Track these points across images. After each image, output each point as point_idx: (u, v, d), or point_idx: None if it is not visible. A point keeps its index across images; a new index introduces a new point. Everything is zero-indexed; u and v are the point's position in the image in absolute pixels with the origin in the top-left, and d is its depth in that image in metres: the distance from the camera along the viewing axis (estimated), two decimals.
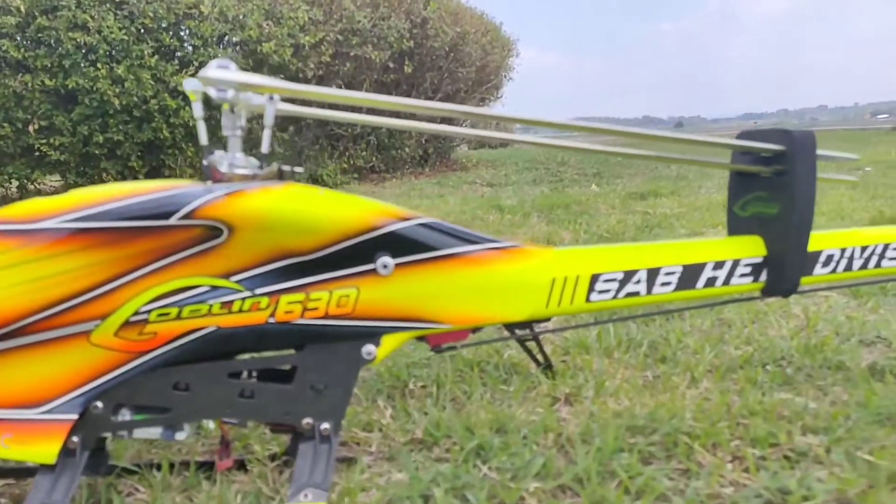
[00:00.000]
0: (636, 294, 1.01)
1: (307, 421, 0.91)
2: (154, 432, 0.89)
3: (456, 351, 1.52)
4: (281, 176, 0.92)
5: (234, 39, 5.95)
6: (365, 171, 7.43)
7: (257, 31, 5.81)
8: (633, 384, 1.27)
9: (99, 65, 5.12)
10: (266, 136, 0.94)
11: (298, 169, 0.94)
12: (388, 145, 7.50)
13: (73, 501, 0.93)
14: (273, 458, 1.03)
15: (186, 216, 0.81)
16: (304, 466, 0.89)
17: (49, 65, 5.04)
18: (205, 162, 0.88)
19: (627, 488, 0.89)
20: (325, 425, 0.91)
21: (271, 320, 0.87)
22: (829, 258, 1.06)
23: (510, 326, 1.35)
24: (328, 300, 0.88)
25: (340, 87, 6.72)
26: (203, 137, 0.93)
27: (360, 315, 0.90)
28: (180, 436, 0.90)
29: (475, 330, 1.03)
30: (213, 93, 0.85)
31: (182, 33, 5.71)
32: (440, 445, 1.06)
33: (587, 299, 0.99)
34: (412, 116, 1.20)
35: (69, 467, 0.84)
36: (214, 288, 0.85)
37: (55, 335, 0.82)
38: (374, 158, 7.32)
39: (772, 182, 1.03)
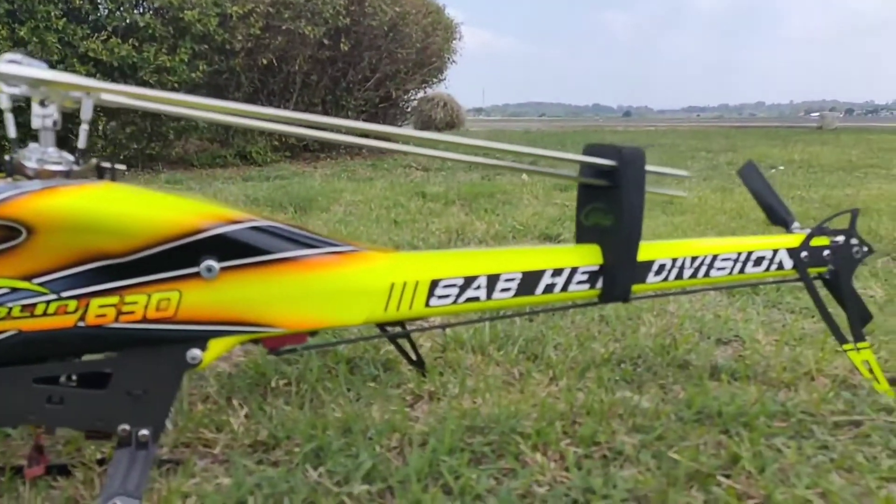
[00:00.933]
0: (476, 299, 1.03)
1: (123, 427, 0.89)
2: None
3: (327, 349, 1.53)
4: (100, 174, 0.90)
5: (154, 4, 5.70)
6: (298, 150, 7.30)
7: None
8: (493, 383, 1.30)
9: None
10: (83, 131, 0.90)
11: (120, 167, 0.91)
12: None
13: None
14: (102, 462, 1.02)
15: None
16: (116, 474, 0.87)
17: None
18: (8, 157, 0.84)
19: (449, 489, 0.92)
20: (144, 431, 0.89)
21: (81, 324, 0.85)
22: (662, 267, 1.10)
23: (381, 324, 1.37)
24: (146, 304, 0.86)
25: (272, 62, 6.54)
26: (11, 130, 0.88)
27: (183, 319, 0.89)
28: None
29: (312, 333, 1.03)
30: (4, 87, 0.81)
31: None
32: (281, 447, 1.06)
33: (427, 304, 1.01)
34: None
35: None
36: (13, 290, 0.82)
37: None
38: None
39: (607, 194, 1.07)
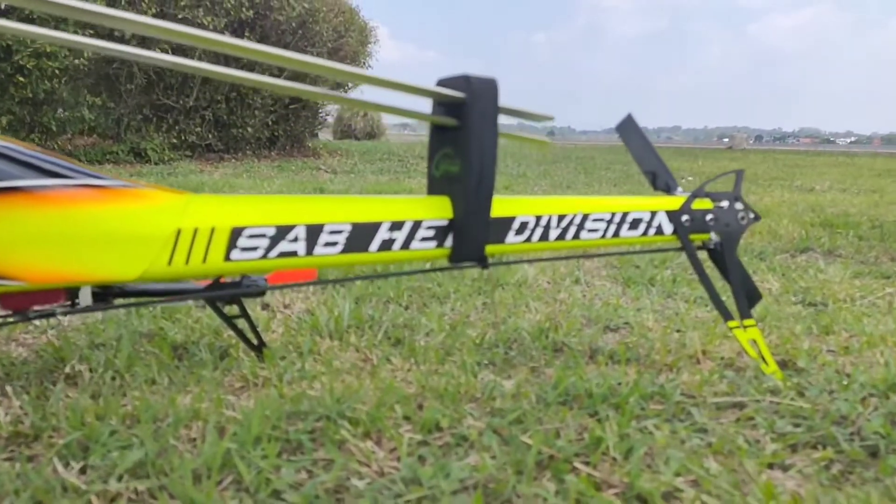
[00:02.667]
0: (293, 254, 0.84)
1: None
2: None
3: (166, 325, 1.30)
4: None
5: None
6: (201, 149, 6.89)
7: None
8: (339, 367, 1.11)
9: None
10: None
11: None
12: (227, 122, 7.01)
13: None
14: None
15: None
16: None
17: None
18: None
19: (239, 485, 0.72)
20: None
21: None
22: (524, 226, 0.95)
23: (212, 300, 1.15)
24: None
25: (166, 52, 6.15)
26: None
27: None
28: None
29: (72, 292, 0.82)
30: None
31: None
32: (41, 440, 0.83)
33: (226, 257, 0.81)
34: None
35: None
36: None
37: None
38: (209, 136, 6.80)
39: (454, 136, 0.90)
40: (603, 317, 1.48)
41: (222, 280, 1.12)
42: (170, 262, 0.79)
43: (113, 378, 1.05)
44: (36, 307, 0.79)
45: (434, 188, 0.97)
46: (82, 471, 0.75)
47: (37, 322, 1.35)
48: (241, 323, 1.20)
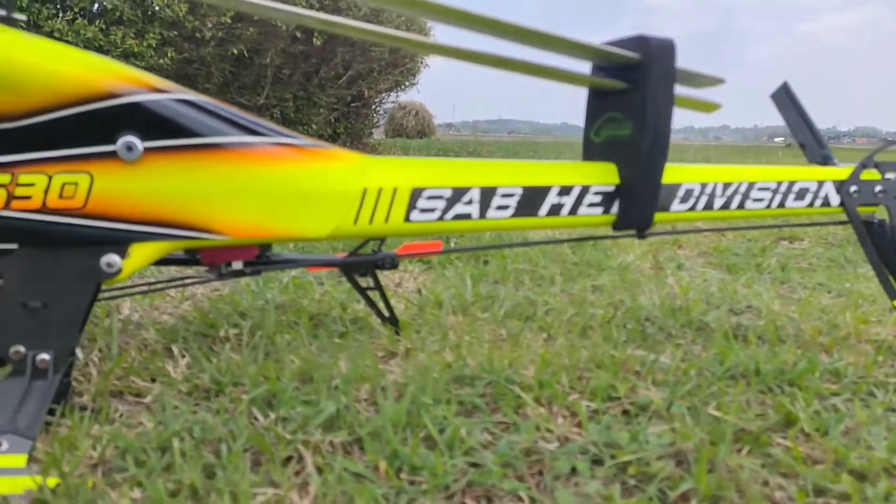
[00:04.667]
0: (467, 217, 0.85)
1: (16, 349, 0.68)
2: None
3: (297, 297, 1.33)
4: None
5: None
6: None
7: None
8: (479, 338, 1.11)
9: None
10: None
11: (20, 16, 0.71)
12: (294, 120, 7.15)
13: None
14: None
15: None
16: (5, 406, 0.66)
17: None
18: None
19: (434, 442, 0.73)
20: (43, 356, 0.69)
21: None
22: (689, 193, 0.93)
23: (350, 273, 1.17)
24: (46, 187, 0.66)
25: (242, 53, 6.30)
26: None
27: (95, 212, 0.68)
28: None
29: (263, 248, 0.84)
30: None
31: None
32: (225, 394, 0.86)
33: (406, 218, 0.82)
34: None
35: None
36: None
37: None
38: None
39: (625, 99, 0.89)
40: (722, 300, 1.45)
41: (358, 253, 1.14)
42: (355, 221, 0.80)
43: (262, 342, 1.07)
44: (231, 262, 0.82)
45: (593, 154, 0.96)
46: (275, 422, 0.76)
47: (172, 292, 1.39)
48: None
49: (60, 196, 0.67)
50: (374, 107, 9.32)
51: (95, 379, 0.90)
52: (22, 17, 0.71)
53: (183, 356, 1.01)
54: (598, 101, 0.95)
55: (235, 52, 6.32)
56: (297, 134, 0.79)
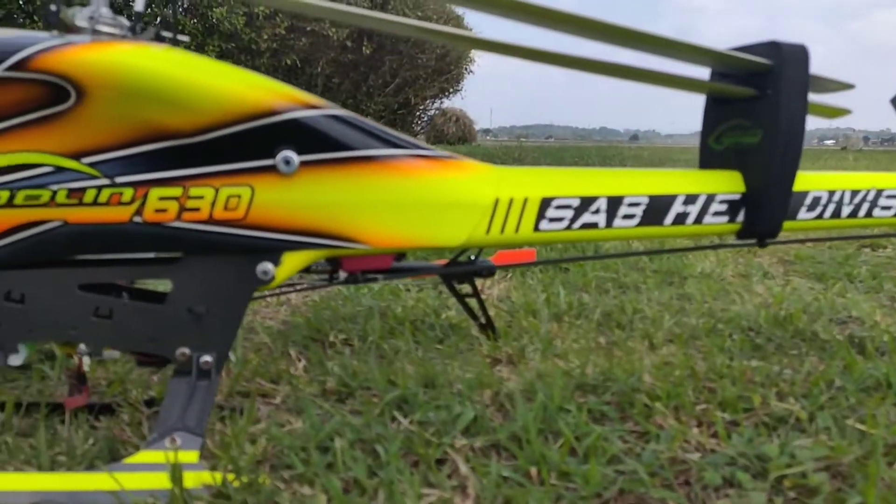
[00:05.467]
0: (594, 226, 0.85)
1: (182, 351, 0.72)
2: None
3: (391, 304, 1.36)
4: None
5: (185, 2, 5.64)
6: None
7: None
8: (585, 346, 1.12)
9: (37, 18, 4.75)
10: None
11: (183, 37, 0.75)
12: None
13: None
14: (150, 403, 0.84)
15: (17, 66, 0.61)
16: (173, 406, 0.70)
17: None
18: (52, 7, 0.68)
19: (573, 449, 0.73)
20: (206, 358, 0.72)
21: (137, 219, 0.68)
22: (816, 201, 0.92)
23: (449, 280, 1.19)
24: (213, 200, 0.70)
25: (295, 63, 6.46)
26: None
27: (254, 223, 0.71)
28: (14, 360, 0.70)
29: (399, 257, 0.86)
30: None
31: None
32: (355, 397, 0.88)
33: (536, 227, 0.83)
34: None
35: None
36: (59, 169, 0.65)
37: None
38: None
39: (754, 106, 0.89)
40: (821, 309, 1.42)
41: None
42: (488, 231, 0.82)
43: (370, 347, 1.10)
44: (369, 269, 0.84)
45: (713, 161, 0.95)
46: (415, 426, 0.78)
47: (269, 298, 1.43)
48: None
49: (225, 208, 0.70)
50: (418, 113, 9.42)
51: (224, 381, 0.94)
52: (185, 38, 0.75)
53: (300, 360, 1.05)
54: (720, 108, 0.94)
55: (289, 62, 6.49)
56: (432, 146, 0.81)
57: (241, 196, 0.70)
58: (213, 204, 0.70)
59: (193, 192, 0.69)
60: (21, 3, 4.88)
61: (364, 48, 6.99)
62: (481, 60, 10.04)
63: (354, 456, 0.68)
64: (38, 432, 0.73)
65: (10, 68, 0.61)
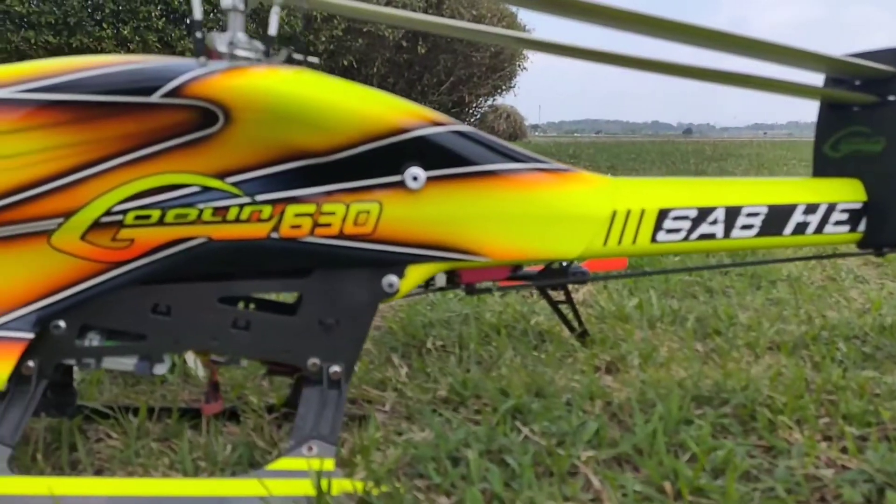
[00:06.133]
0: (711, 237, 0.84)
1: (313, 361, 0.74)
2: (127, 363, 0.73)
3: (479, 309, 1.37)
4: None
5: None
6: None
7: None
8: (686, 355, 1.10)
9: (105, 24, 4.96)
10: (274, 15, 0.77)
11: (313, 59, 0.77)
12: None
13: (26, 441, 0.77)
14: (270, 409, 0.87)
15: (172, 93, 0.65)
16: (307, 414, 0.72)
17: (53, 21, 4.87)
18: (198, 34, 0.71)
19: (702, 464, 0.73)
20: (335, 368, 0.74)
21: (274, 235, 0.71)
22: None
23: (543, 287, 1.19)
24: (344, 215, 0.72)
25: (352, 64, 6.55)
26: (197, 11, 0.76)
27: (381, 237, 0.73)
28: (159, 369, 0.73)
29: (516, 268, 0.87)
30: None
31: None
32: (468, 406, 0.89)
33: (653, 239, 0.83)
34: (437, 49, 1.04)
35: (21, 397, 0.68)
36: (206, 189, 0.69)
37: (6, 233, 0.65)
38: None
39: (874, 113, 0.86)
40: None
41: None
42: (605, 243, 0.82)
43: (469, 355, 1.11)
44: (485, 281, 0.86)
45: (829, 169, 0.93)
46: (535, 436, 0.79)
47: None
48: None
49: (355, 223, 0.72)
50: (470, 111, 9.42)
51: None
52: (315, 59, 0.77)
53: (402, 366, 1.07)
54: (836, 115, 0.92)
55: (345, 63, 6.59)
56: (550, 160, 0.81)
57: (370, 211, 0.72)
58: (343, 219, 0.72)
59: (326, 208, 0.71)
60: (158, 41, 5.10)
61: (419, 47, 7.03)
62: (533, 57, 9.95)
63: (487, 467, 0.69)
64: (182, 438, 0.76)
65: (166, 95, 0.64)
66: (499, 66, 8.58)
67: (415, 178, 0.73)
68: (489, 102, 10.62)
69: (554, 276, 1.12)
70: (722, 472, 0.71)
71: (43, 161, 0.63)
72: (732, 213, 0.84)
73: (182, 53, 5.34)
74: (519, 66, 9.53)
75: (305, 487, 0.65)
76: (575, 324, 1.22)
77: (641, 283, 1.59)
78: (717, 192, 0.85)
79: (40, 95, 0.63)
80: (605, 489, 0.67)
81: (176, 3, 5.28)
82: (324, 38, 6.23)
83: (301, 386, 0.85)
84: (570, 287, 1.63)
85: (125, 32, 5.07)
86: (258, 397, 0.90)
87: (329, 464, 0.68)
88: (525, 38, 0.99)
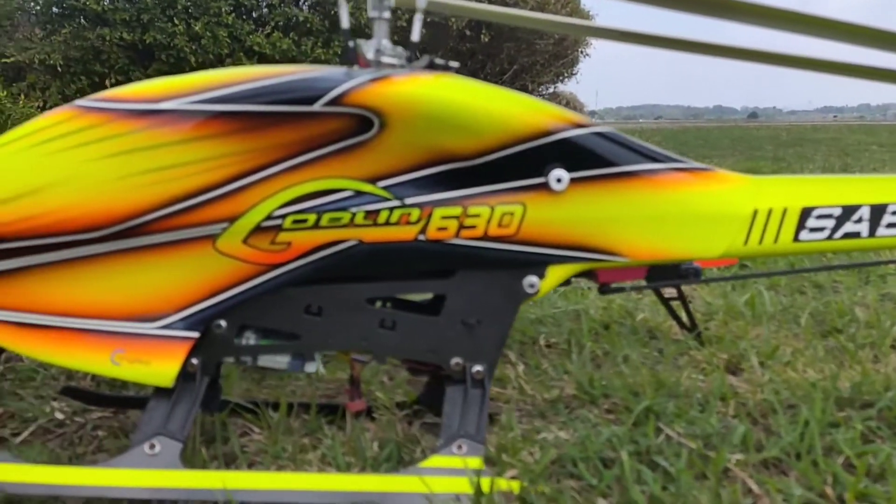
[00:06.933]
0: (856, 235, 0.81)
1: (456, 361, 0.76)
2: (281, 361, 0.76)
3: (582, 306, 1.36)
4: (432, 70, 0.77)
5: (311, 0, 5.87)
6: None
7: None
8: (813, 355, 1.07)
9: (176, 20, 5.11)
10: (417, 22, 0.78)
11: (454, 64, 0.78)
12: None
13: None
14: (401, 406, 0.89)
15: (333, 102, 0.66)
16: (453, 414, 0.74)
17: (127, 18, 5.05)
18: (350, 43, 0.73)
19: (863, 468, 0.70)
20: (478, 368, 0.76)
21: (421, 237, 0.72)
22: None
23: (657, 284, 1.17)
24: (489, 217, 0.72)
25: (417, 56, 6.56)
26: (345, 20, 0.79)
27: (524, 238, 0.74)
28: (310, 367, 0.76)
29: (652, 268, 0.86)
30: None
31: None
32: (598, 405, 0.89)
33: (795, 238, 0.80)
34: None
35: (187, 393, 0.72)
36: (359, 193, 0.70)
37: (176, 237, 0.69)
38: None
39: None
40: None
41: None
42: (745, 242, 0.80)
43: (580, 351, 1.11)
44: (621, 282, 0.85)
45: None
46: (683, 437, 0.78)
47: None
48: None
49: (499, 225, 0.73)
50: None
51: None
52: (455, 64, 0.78)
53: (518, 363, 1.07)
54: None
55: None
56: (689, 159, 0.80)
57: (514, 213, 0.73)
58: (488, 221, 0.73)
59: (472, 210, 0.72)
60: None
61: (482, 36, 7.00)
62: (595, 42, 9.77)
63: (639, 469, 0.69)
64: (330, 435, 0.79)
65: (328, 104, 0.66)
66: (562, 52, 8.44)
67: (558, 180, 0.73)
68: (550, 90, 10.49)
69: (667, 275, 1.11)
70: (880, 476, 0.69)
71: (212, 169, 0.66)
72: (878, 211, 0.81)
73: (251, 48, 5.47)
74: (581, 52, 9.36)
75: (463, 485, 0.66)
76: (687, 322, 1.20)
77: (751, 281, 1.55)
78: (861, 189, 0.82)
79: (210, 106, 0.65)
80: (765, 494, 0.66)
81: None
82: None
83: (434, 385, 0.87)
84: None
85: (196, 28, 5.22)
86: (386, 394, 0.93)
87: (478, 462, 0.69)
88: (591, 26, 0.99)
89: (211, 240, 0.69)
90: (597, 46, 9.89)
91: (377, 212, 0.71)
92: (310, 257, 0.71)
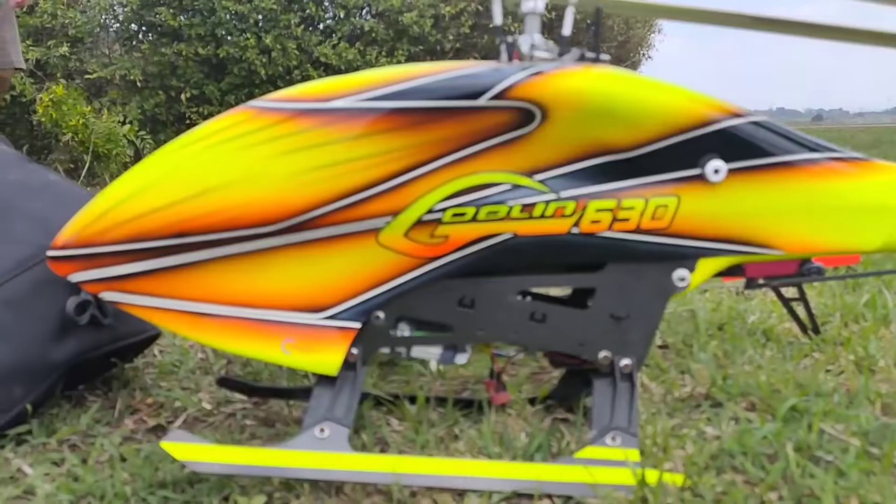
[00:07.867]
0: None
1: (604, 354, 0.76)
2: (433, 352, 0.78)
3: (689, 307, 1.34)
4: None
5: (378, 9, 5.95)
6: None
7: (399, 1, 5.78)
8: None
9: (248, 34, 5.26)
10: (569, 15, 0.80)
11: (605, 56, 0.79)
12: None
13: None
14: (532, 401, 0.90)
15: (498, 96, 0.68)
16: (604, 407, 0.74)
17: (203, 34, 5.23)
18: (508, 39, 0.75)
19: None
20: (626, 361, 0.76)
21: (574, 230, 0.73)
22: None
23: (778, 284, 1.15)
24: (642, 210, 0.73)
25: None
26: (498, 17, 0.81)
27: (676, 231, 0.74)
28: (461, 359, 0.78)
29: (803, 262, 0.85)
30: None
31: (325, 3, 5.79)
32: (736, 403, 0.88)
33: None
34: None
35: (349, 382, 0.75)
36: (516, 187, 0.72)
37: (343, 231, 0.72)
38: None
39: None
40: None
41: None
42: None
43: (699, 351, 1.09)
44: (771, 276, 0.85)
45: None
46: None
47: None
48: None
49: (652, 217, 0.73)
50: None
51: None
52: (606, 57, 0.79)
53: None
54: None
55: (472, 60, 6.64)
56: (843, 149, 0.78)
57: (667, 206, 0.73)
58: (641, 214, 0.73)
59: (626, 203, 0.73)
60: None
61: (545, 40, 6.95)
62: (661, 40, 9.60)
63: (803, 464, 0.68)
64: (485, 426, 0.80)
65: (494, 98, 0.68)
66: (625, 56, 8.32)
67: (716, 171, 0.73)
68: None
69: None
70: None
71: (380, 164, 0.69)
72: None
73: (317, 59, 5.57)
74: (644, 54, 9.19)
75: (625, 476, 0.66)
76: (808, 323, 1.17)
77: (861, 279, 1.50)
78: None
79: (380, 104, 0.68)
80: None
81: (313, 10, 5.52)
82: (451, 37, 6.30)
83: (569, 380, 0.88)
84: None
85: (266, 41, 5.35)
86: (512, 390, 0.94)
87: (634, 454, 0.69)
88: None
89: (374, 233, 0.72)
90: (658, 49, 9.69)
91: (533, 205, 0.72)
92: (465, 250, 0.73)
